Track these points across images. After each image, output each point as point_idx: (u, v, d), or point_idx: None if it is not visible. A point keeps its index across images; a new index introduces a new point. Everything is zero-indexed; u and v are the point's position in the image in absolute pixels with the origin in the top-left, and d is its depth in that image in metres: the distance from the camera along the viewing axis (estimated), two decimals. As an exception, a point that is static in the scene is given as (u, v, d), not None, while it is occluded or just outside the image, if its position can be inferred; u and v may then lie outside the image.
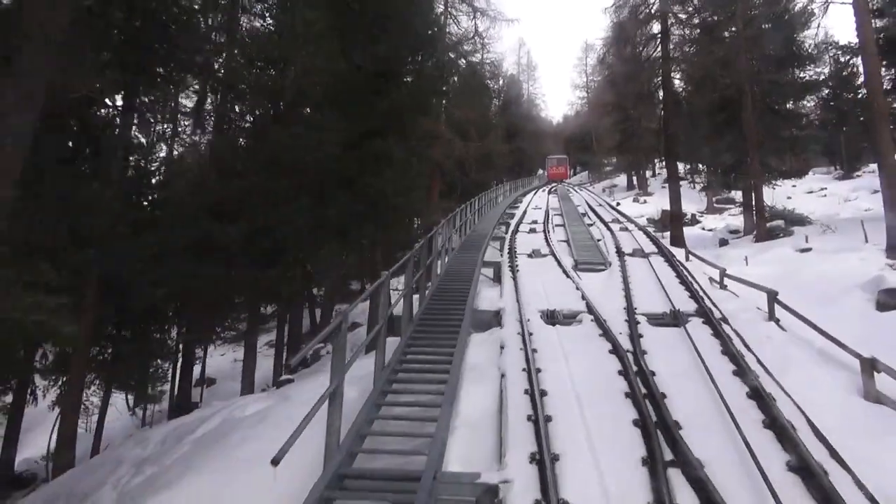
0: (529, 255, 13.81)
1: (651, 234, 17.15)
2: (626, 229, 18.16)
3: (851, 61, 40.94)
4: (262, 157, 12.85)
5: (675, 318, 8.26)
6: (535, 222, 20.48)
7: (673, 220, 25.20)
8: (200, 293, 13.34)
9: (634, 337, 7.27)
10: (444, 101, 22.90)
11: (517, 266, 12.50)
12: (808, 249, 15.48)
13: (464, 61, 32.32)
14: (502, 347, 7.19)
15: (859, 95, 42.97)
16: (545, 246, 15.01)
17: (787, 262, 14.60)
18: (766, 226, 21.27)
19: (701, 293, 9.75)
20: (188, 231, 12.81)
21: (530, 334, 7.47)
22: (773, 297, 9.38)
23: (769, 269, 14.30)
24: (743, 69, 22.43)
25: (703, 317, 8.34)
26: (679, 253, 16.37)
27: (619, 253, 13.63)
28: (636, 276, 11.05)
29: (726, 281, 12.55)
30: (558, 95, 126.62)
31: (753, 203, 22.96)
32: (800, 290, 11.59)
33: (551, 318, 8.45)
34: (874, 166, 43.80)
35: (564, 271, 11.65)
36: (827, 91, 34.62)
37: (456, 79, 34.66)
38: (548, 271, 11.87)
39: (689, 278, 11.15)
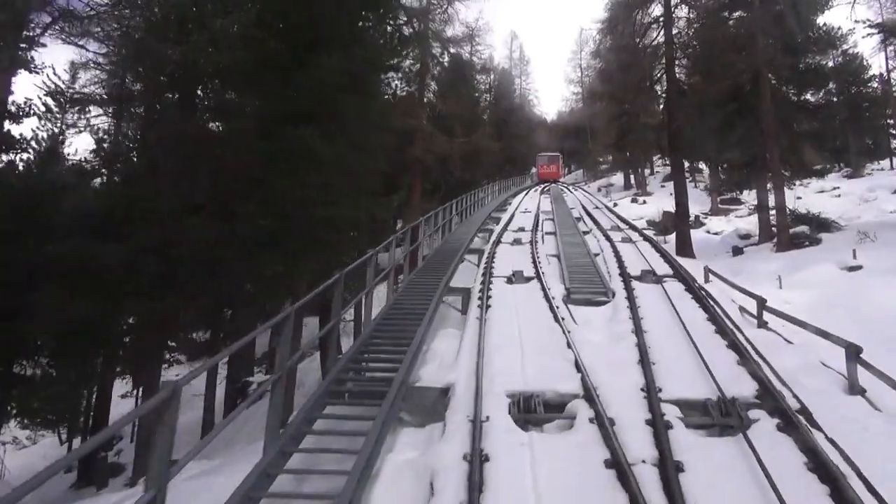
0: (509, 280, 10.48)
1: (659, 246, 13.84)
2: (628, 239, 14.84)
3: (858, 52, 37.77)
4: (160, 152, 9.51)
5: (726, 413, 4.96)
6: (521, 230, 17.16)
7: (679, 224, 21.91)
8: (81, 328, 10.04)
9: (670, 471, 3.95)
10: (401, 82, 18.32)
11: (491, 297, 9.19)
12: (858, 268, 12.19)
13: (441, 48, 28.85)
14: (433, 490, 3.91)
15: (865, 89, 39.85)
16: (530, 265, 11.69)
17: (834, 284, 11.33)
18: (788, 232, 17.99)
19: (752, 352, 6.45)
20: (59, 251, 9.49)
21: (485, 459, 4.16)
22: (855, 355, 6.21)
23: (813, 294, 11.04)
24: (760, 52, 19.12)
25: (773, 408, 5.03)
26: (693, 267, 13.13)
27: (624, 275, 10.32)
28: (652, 317, 7.73)
29: (761, 313, 9.36)
30: (552, 91, 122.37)
31: (771, 204, 19.71)
32: (865, 330, 8.36)
33: (526, 410, 5.14)
34: (884, 163, 41.07)
35: (552, 307, 8.32)
36: (833, 84, 31.49)
37: (438, 70, 31.32)
38: (530, 307, 8.54)
39: (725, 319, 7.88)
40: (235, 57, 9.57)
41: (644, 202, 34.85)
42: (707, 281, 12.33)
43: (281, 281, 8.59)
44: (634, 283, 9.82)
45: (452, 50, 30.70)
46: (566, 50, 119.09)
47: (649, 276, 10.35)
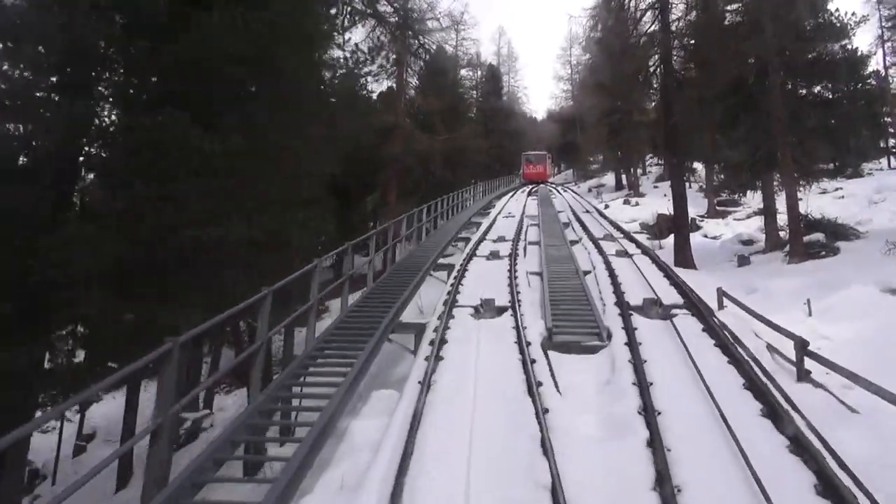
0: (476, 312, 8.12)
1: (661, 261, 11.50)
2: (623, 252, 12.50)
3: (856, 47, 35.67)
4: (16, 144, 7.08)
5: None
6: (502, 239, 14.80)
7: (678, 230, 19.59)
8: None
9: None
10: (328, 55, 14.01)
11: (447, 341, 6.84)
12: (905, 290, 9.90)
13: (419, 39, 26.41)
14: None
15: (865, 85, 37.76)
16: (505, 288, 9.33)
17: (882, 314, 9.00)
18: (802, 240, 15.72)
19: (821, 448, 4.12)
20: None
21: None
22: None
23: (858, 328, 8.72)
24: (769, 39, 16.83)
25: None
26: (698, 282, 10.86)
27: (622, 305, 7.98)
28: (666, 382, 5.36)
29: (802, 358, 7.14)
30: (542, 90, 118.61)
31: (783, 209, 17.46)
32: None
33: None
34: (882, 162, 39.15)
35: (525, 363, 5.94)
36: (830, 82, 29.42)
37: (419, 64, 28.89)
38: (496, 360, 6.17)
39: (766, 382, 5.53)
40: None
41: (637, 204, 32.55)
42: (721, 307, 10.02)
43: (129, 337, 6.11)
44: (636, 319, 7.48)
45: (433, 42, 28.25)
46: (555, 47, 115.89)
47: (654, 306, 8.00)
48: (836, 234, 16.13)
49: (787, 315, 10.07)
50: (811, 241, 15.85)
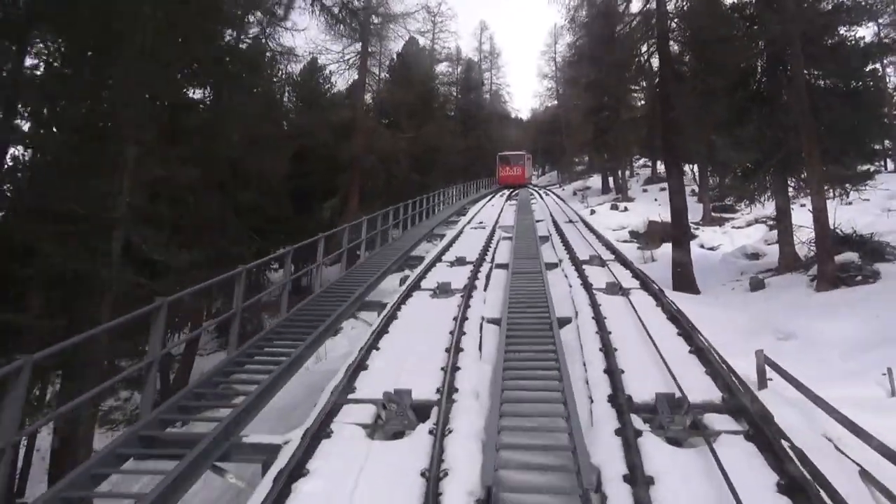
0: (375, 421, 4.72)
1: (668, 303, 8.10)
2: (616, 286, 9.07)
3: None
4: None
5: None
6: (461, 261, 11.40)
7: (677, 245, 16.37)
8: None
9: None
10: None
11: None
12: None
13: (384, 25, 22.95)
14: None
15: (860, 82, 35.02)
16: (441, 355, 5.95)
17: None
18: (834, 261, 12.54)
19: None
20: None
21: None
22: None
23: None
24: (790, 20, 13.66)
25: None
26: (708, 317, 7.70)
27: (622, 409, 4.62)
28: None
29: None
30: (525, 89, 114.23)
31: (812, 220, 14.29)
32: None
33: None
34: (882, 165, 36.49)
35: None
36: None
37: (389, 59, 25.39)
38: None
39: None
40: None
41: (625, 209, 29.38)
42: (763, 381, 6.71)
43: None
44: (647, 442, 4.12)
45: (397, 28, 24.74)
46: (540, 43, 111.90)
47: (675, 412, 4.61)
48: (872, 253, 12.96)
49: (855, 388, 6.80)
50: (843, 261, 12.66)
